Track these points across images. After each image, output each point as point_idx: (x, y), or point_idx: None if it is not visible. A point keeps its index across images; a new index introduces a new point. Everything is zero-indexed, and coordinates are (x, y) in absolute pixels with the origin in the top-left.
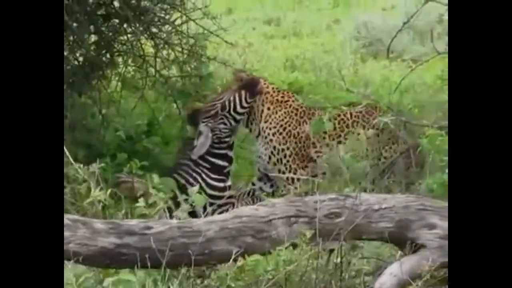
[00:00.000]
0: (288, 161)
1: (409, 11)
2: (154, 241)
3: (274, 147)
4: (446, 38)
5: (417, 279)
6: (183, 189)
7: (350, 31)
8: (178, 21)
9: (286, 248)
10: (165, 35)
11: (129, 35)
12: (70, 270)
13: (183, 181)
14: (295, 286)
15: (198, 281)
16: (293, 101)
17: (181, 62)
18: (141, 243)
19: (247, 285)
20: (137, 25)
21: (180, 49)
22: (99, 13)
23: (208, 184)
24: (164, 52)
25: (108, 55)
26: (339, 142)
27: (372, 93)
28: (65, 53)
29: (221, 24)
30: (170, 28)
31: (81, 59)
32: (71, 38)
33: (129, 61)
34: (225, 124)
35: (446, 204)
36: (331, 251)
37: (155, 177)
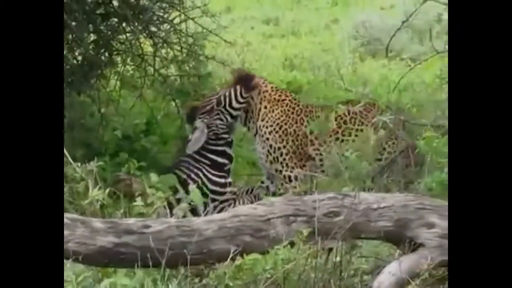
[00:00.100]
0: (284, 159)
1: (408, 10)
2: (153, 240)
3: (271, 146)
4: (445, 37)
5: (415, 278)
6: (184, 184)
7: (348, 30)
8: (177, 20)
9: (284, 246)
10: (164, 34)
11: (128, 34)
12: (69, 269)
13: (184, 176)
14: (294, 285)
15: (197, 280)
16: (290, 100)
17: (179, 61)
18: (140, 242)
19: (246, 284)
20: (136, 24)
21: (179, 48)
22: (98, 12)
23: (209, 180)
24: (163, 51)
25: (107, 54)
26: (337, 139)
27: (370, 92)
28: (64, 52)
29: (220, 23)
30: (169, 27)
31: (80, 58)
32: (70, 37)
33: (128, 60)
34: (221, 120)
35: (445, 203)
36: (330, 250)
37: (153, 176)
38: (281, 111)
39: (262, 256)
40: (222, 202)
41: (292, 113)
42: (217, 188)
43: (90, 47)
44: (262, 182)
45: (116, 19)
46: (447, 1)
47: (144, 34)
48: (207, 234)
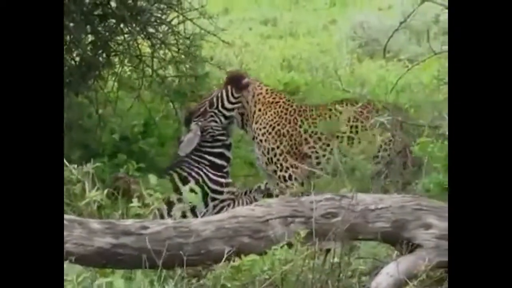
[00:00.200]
0: (278, 159)
1: (406, 11)
2: (151, 241)
3: (265, 147)
4: (442, 38)
5: (413, 279)
6: (185, 181)
7: (346, 31)
8: (175, 21)
9: (282, 247)
10: (161, 35)
11: (125, 35)
12: (67, 270)
13: (185, 174)
14: (292, 286)
15: (194, 280)
16: (283, 101)
17: (177, 62)
18: (138, 243)
19: (243, 285)
20: (134, 25)
21: (176, 49)
22: (95, 13)
23: (210, 179)
24: (161, 52)
25: (104, 55)
26: (332, 136)
27: (368, 93)
28: None
29: (217, 24)
30: (166, 28)
31: (77, 59)
32: (68, 38)
33: (126, 61)
34: (215, 122)
35: (442, 204)
36: (328, 251)
37: (152, 178)
38: (274, 112)
39: (260, 257)
40: (222, 201)
41: (285, 113)
42: (217, 187)
43: (88, 48)
44: (267, 183)
45: (114, 20)
46: (444, 2)
47: (142, 35)
48: (204, 235)
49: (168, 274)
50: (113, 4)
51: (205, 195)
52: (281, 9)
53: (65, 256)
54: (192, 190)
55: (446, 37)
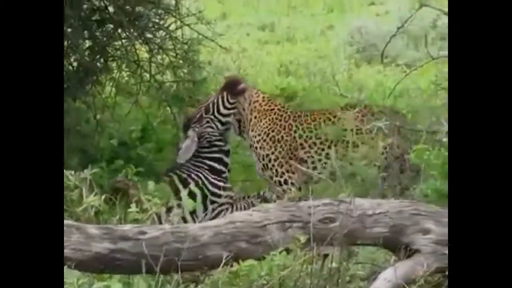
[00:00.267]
0: (273, 165)
1: (403, 16)
2: (148, 246)
3: (260, 154)
4: (440, 43)
5: (411, 284)
6: (185, 183)
7: (344, 37)
8: (173, 26)
9: (280, 253)
10: (159, 40)
11: (123, 41)
12: (65, 275)
13: (185, 176)
14: None
15: (192, 286)
16: (278, 109)
17: (175, 67)
18: (135, 248)
19: None
20: (132, 30)
21: (174, 55)
22: (93, 18)
23: (209, 181)
24: (159, 57)
25: (102, 60)
26: (326, 140)
27: (366, 98)
28: None
29: (215, 30)
30: (164, 34)
31: (75, 64)
32: (66, 43)
33: (124, 66)
34: (212, 127)
35: (440, 209)
36: (326, 256)
37: (150, 184)
38: (269, 119)
39: (257, 262)
40: (220, 205)
41: (280, 120)
42: (217, 190)
43: (86, 53)
44: (264, 193)
45: (111, 26)
46: (442, 7)
47: (140, 41)
48: (202, 240)
49: (166, 279)
50: (111, 9)
51: (204, 198)
52: (279, 14)
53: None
54: (191, 192)
55: (444, 42)
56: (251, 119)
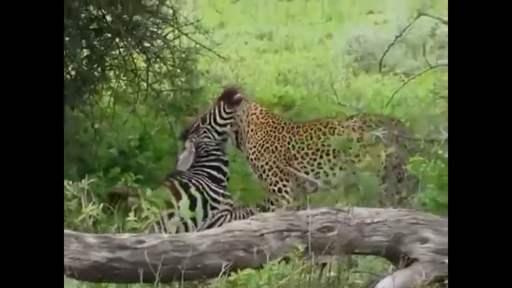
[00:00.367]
0: (268, 175)
1: (401, 25)
2: (147, 255)
3: (254, 165)
4: (438, 52)
5: None
6: (185, 188)
7: (342, 45)
8: (170, 36)
9: (279, 262)
10: (157, 49)
11: (121, 50)
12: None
13: (185, 180)
14: None
15: None
16: (273, 121)
17: (172, 76)
18: (134, 257)
19: None
20: (129, 39)
21: (172, 64)
22: (91, 27)
23: (210, 187)
24: (156, 66)
25: (100, 69)
26: (317, 150)
27: (364, 107)
28: None
29: (213, 39)
30: (162, 43)
31: (73, 73)
32: (63, 52)
33: (121, 75)
34: (208, 137)
35: (439, 218)
36: (324, 265)
37: (148, 191)
38: (264, 132)
39: (256, 271)
40: (221, 211)
41: (274, 131)
42: (217, 196)
43: (83, 62)
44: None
45: (109, 35)
46: (440, 16)
47: (137, 50)
48: (201, 249)
49: None
50: (108, 18)
51: (205, 202)
52: (277, 23)
53: None
54: (192, 196)
55: (442, 51)
56: (248, 131)
